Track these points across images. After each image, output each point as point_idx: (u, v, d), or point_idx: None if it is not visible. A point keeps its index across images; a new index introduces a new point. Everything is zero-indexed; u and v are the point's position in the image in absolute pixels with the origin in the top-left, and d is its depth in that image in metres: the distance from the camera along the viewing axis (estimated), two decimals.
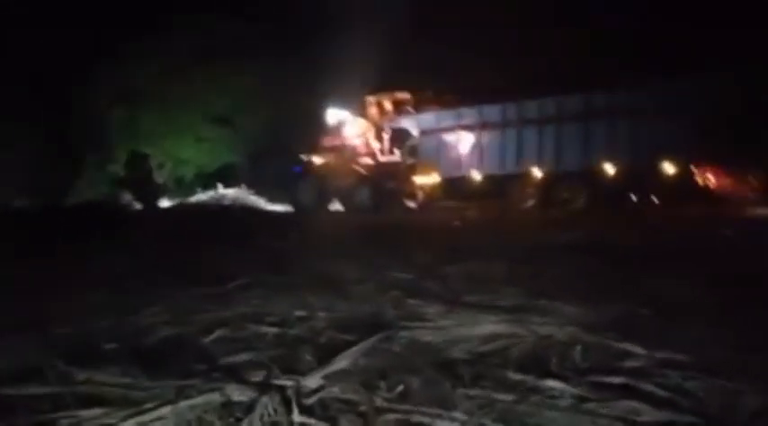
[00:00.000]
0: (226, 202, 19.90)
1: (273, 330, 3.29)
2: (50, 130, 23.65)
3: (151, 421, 2.08)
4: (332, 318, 3.51)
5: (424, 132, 17.28)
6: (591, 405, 2.11)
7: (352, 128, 16.24)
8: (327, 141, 16.40)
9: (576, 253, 5.63)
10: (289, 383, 2.39)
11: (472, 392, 2.23)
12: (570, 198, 14.25)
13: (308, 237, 7.47)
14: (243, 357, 2.81)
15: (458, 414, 2.00)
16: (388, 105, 17.28)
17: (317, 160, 16.35)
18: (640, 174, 13.44)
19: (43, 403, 2.31)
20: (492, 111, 16.01)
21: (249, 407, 2.10)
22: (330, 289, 4.28)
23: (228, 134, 26.36)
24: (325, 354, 2.79)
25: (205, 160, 26.54)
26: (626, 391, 2.26)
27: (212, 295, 4.27)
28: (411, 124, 17.46)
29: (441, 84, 18.18)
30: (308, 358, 2.78)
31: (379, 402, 2.15)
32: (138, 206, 16.88)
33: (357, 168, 15.69)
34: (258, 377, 2.47)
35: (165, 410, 2.11)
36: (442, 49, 20.60)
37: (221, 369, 2.63)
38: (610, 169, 13.76)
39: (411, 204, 15.68)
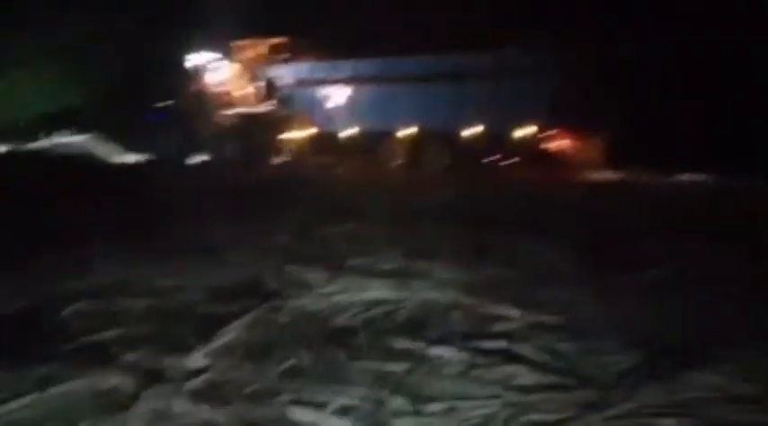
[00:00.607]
0: (73, 150, 17.88)
1: (142, 302, 3.02)
2: None
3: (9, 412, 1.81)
4: (207, 287, 3.30)
5: (297, 83, 16.74)
6: (478, 372, 2.19)
7: (221, 73, 15.24)
8: (194, 86, 15.27)
9: (448, 216, 5.81)
10: (167, 363, 2.21)
11: (365, 364, 2.20)
12: (435, 158, 14.71)
13: (173, 195, 6.95)
14: (110, 334, 2.55)
15: (356, 389, 1.96)
16: (260, 49, 16.29)
17: (183, 107, 15.20)
18: (499, 137, 14.21)
19: None
20: (367, 66, 15.87)
21: (133, 395, 1.90)
22: (201, 255, 4.02)
23: (76, 71, 23.51)
24: (205, 328, 2.62)
25: (47, 100, 23.50)
26: (507, 355, 2.37)
27: (64, 262, 3.82)
28: (286, 73, 16.78)
29: (317, 34, 17.58)
30: (184, 332, 2.59)
31: (270, 380, 2.05)
32: None
33: (227, 117, 14.84)
34: (131, 357, 2.24)
35: (26, 400, 1.84)
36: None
37: (86, 349, 2.36)
38: (473, 131, 14.37)
39: (281, 158, 15.24)
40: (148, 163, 14.75)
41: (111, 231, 4.70)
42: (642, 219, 5.74)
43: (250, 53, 16.30)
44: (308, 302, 3.05)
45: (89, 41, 22.90)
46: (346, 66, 16.10)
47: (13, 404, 1.87)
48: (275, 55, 16.45)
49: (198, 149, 15.41)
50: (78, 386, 1.96)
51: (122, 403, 1.86)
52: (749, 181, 10.00)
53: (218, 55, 15.67)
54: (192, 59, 15.15)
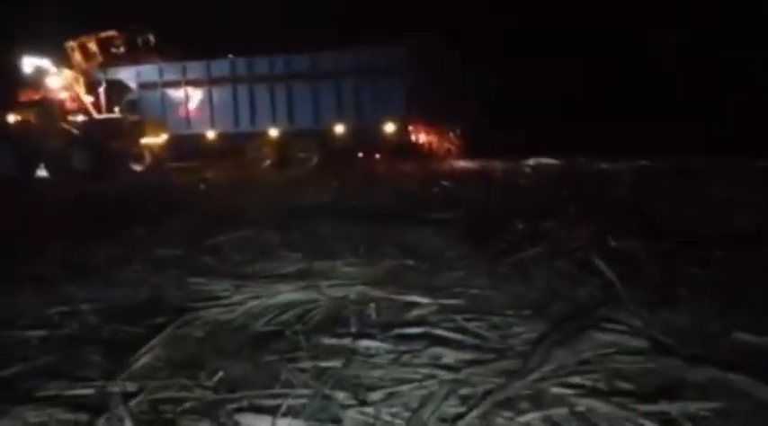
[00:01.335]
0: None
1: (35, 333, 2.78)
2: None
3: None
4: (104, 310, 3.11)
5: (144, 86, 15.80)
6: (406, 357, 2.34)
7: (56, 79, 13.90)
8: (26, 95, 13.76)
9: (334, 214, 5.94)
10: (89, 391, 2.09)
11: (300, 365, 2.26)
12: (305, 157, 14.78)
13: (26, 213, 6.28)
14: (13, 370, 2.34)
15: (298, 390, 2.01)
16: (92, 48, 15.02)
17: (13, 118, 13.62)
18: (365, 133, 14.62)
19: None
20: (221, 67, 15.46)
21: None
22: (87, 276, 3.75)
23: None
24: (116, 353, 2.49)
25: None
26: (427, 339, 2.55)
27: None
28: (129, 76, 15.75)
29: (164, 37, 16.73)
30: (96, 359, 2.44)
31: (209, 394, 2.03)
32: None
33: (67, 127, 13.59)
34: (49, 392, 2.08)
35: None
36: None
37: None
38: (339, 129, 14.62)
39: (137, 166, 14.31)
40: None
41: None
42: (509, 204, 6.31)
43: (81, 53, 14.97)
44: (219, 313, 3.01)
45: None
46: (199, 67, 15.54)
47: None
48: (107, 51, 15.27)
49: (38, 164, 13.97)
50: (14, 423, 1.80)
51: None
52: (587, 161, 11.34)
53: (52, 59, 14.29)
54: (28, 64, 13.65)
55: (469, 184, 8.28)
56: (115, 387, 2.11)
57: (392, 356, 2.36)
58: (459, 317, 2.82)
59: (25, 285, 3.58)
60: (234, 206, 6.67)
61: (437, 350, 2.42)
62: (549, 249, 4.11)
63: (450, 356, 2.37)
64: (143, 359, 2.39)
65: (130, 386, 2.11)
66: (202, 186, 9.16)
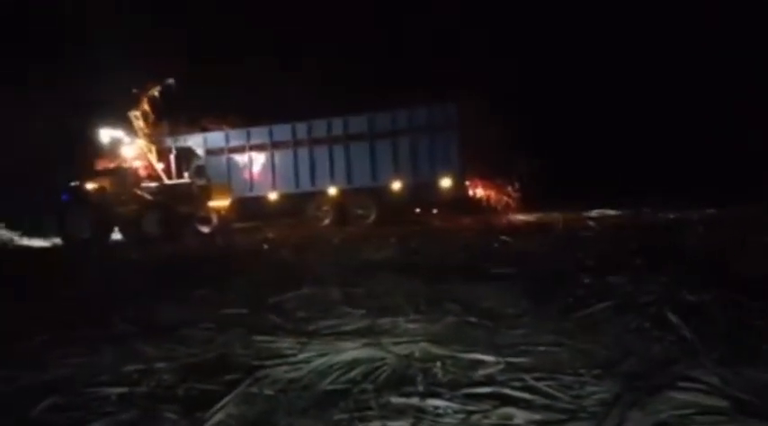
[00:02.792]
0: None
1: (115, 390, 2.90)
2: None
3: None
4: (178, 368, 3.22)
5: (211, 151, 16.73)
6: (476, 417, 2.30)
7: (130, 148, 14.88)
8: (102, 164, 14.76)
9: (391, 270, 5.98)
10: None
11: (369, 424, 2.26)
12: (363, 214, 15.04)
13: (101, 274, 6.65)
14: None
15: None
16: (145, 107, 15.74)
17: (90, 185, 14.59)
18: (422, 189, 14.80)
19: None
20: (282, 131, 16.19)
21: None
22: (159, 335, 3.90)
23: None
24: (193, 409, 2.57)
25: None
26: (496, 398, 2.51)
27: (15, 357, 3.59)
28: (197, 143, 16.74)
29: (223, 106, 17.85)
30: (173, 417, 2.52)
31: None
32: None
33: (141, 193, 14.40)
34: None
35: None
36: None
37: None
38: (396, 185, 14.87)
39: (204, 229, 14.92)
40: (65, 246, 13.92)
41: (51, 320, 4.47)
42: (573, 258, 6.17)
43: (142, 117, 15.80)
44: (286, 371, 3.06)
45: None
46: (261, 132, 16.34)
47: None
48: (156, 103, 16.04)
49: (112, 228, 14.79)
50: None
51: None
52: (651, 213, 11.00)
53: (125, 131, 15.31)
54: (104, 135, 14.72)
55: (530, 238, 8.17)
56: None
57: (461, 416, 2.33)
58: (527, 376, 2.76)
59: (103, 344, 3.76)
60: (296, 264, 6.83)
61: (507, 410, 2.37)
62: (618, 304, 3.98)
63: (520, 416, 2.31)
64: (217, 416, 2.46)
65: None
66: (265, 246, 9.43)
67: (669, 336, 3.13)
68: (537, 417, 2.29)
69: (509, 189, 15.68)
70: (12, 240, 17.23)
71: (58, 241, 15.42)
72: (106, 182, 14.58)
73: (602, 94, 18.68)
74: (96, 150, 15.23)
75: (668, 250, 6.37)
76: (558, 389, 2.59)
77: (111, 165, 14.97)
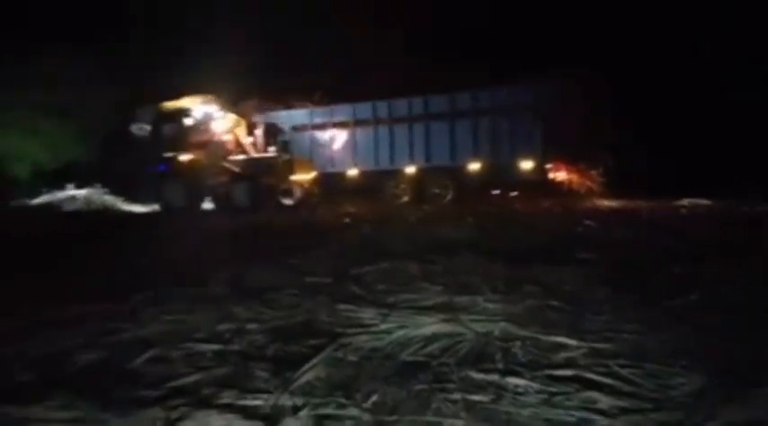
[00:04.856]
0: (79, 204, 18.04)
1: (210, 346, 3.12)
2: None
3: None
4: (267, 330, 3.41)
5: (295, 128, 17.18)
6: (558, 399, 2.30)
7: (221, 123, 15.54)
8: (195, 137, 15.52)
9: (468, 249, 5.97)
10: (259, 402, 2.31)
11: (450, 396, 2.31)
12: (440, 193, 15.01)
13: (199, 242, 7.08)
14: (191, 378, 2.65)
15: (450, 420, 2.07)
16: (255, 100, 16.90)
17: (185, 157, 15.41)
18: (501, 170, 14.54)
19: None
20: (364, 109, 16.34)
21: None
22: (249, 298, 4.13)
23: (71, 127, 23.83)
24: (280, 369, 2.72)
25: (46, 156, 23.70)
26: (578, 382, 2.49)
27: (116, 312, 3.92)
28: (282, 119, 17.23)
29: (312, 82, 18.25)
30: (264, 375, 2.69)
31: (368, 415, 2.16)
32: None
33: (229, 165, 15.07)
34: (225, 400, 2.34)
35: None
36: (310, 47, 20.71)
37: (175, 395, 2.45)
38: (474, 165, 14.69)
39: (287, 201, 15.44)
40: (161, 213, 14.89)
41: (150, 279, 4.82)
42: (661, 246, 5.91)
43: (246, 102, 16.83)
44: (368, 340, 3.16)
45: (88, 98, 23.42)
46: (345, 110, 16.57)
47: None
48: (268, 103, 17.11)
49: (204, 197, 15.61)
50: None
51: None
52: (748, 204, 10.27)
53: (218, 105, 15.98)
54: (198, 110, 15.45)
55: (615, 224, 7.87)
56: (285, 401, 2.31)
57: (542, 396, 2.34)
58: (610, 362, 2.72)
59: (198, 303, 4.03)
60: (375, 239, 6.95)
61: (590, 394, 2.35)
62: (708, 295, 3.81)
63: (604, 402, 2.30)
64: (304, 377, 2.60)
65: (293, 401, 2.30)
66: (346, 220, 9.65)
67: (761, 333, 2.97)
68: (621, 404, 2.27)
69: (593, 173, 15.09)
70: (115, 204, 18.61)
71: (155, 207, 16.49)
72: (199, 155, 15.34)
73: (706, 80, 17.47)
74: (191, 125, 16.01)
75: (762, 244, 5.97)
76: (644, 377, 2.54)
77: (204, 139, 15.71)
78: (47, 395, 2.40)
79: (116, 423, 2.12)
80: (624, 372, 2.60)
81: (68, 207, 16.29)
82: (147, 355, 2.98)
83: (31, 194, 19.88)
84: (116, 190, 19.62)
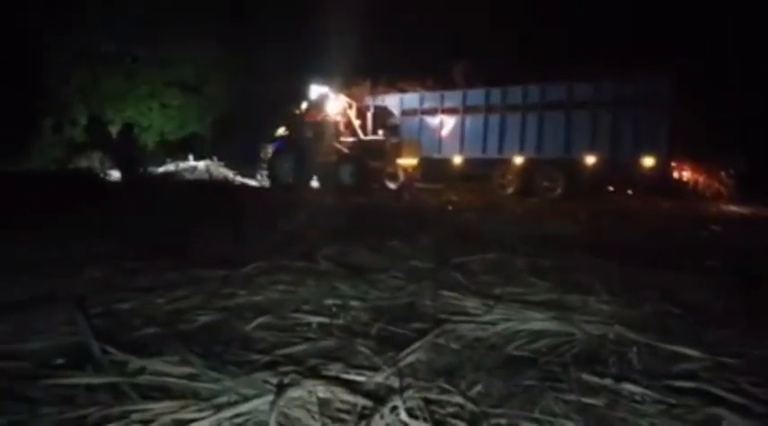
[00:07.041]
0: (199, 174, 19.42)
1: (316, 319, 3.21)
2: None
3: (237, 416, 1.99)
4: (371, 308, 3.45)
5: (405, 112, 17.26)
6: (678, 411, 2.13)
7: (334, 104, 15.95)
8: (309, 117, 16.07)
9: (580, 247, 5.71)
10: (362, 379, 2.34)
11: (562, 396, 2.22)
12: (549, 186, 14.48)
13: (309, 218, 7.34)
14: (299, 348, 2.74)
15: (561, 421, 1.98)
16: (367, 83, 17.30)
17: (297, 135, 16.03)
18: (619, 166, 13.74)
19: (103, 395, 2.18)
20: (476, 96, 16.08)
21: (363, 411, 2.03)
22: (355, 277, 4.20)
23: (196, 102, 25.58)
24: (384, 348, 2.74)
25: (170, 128, 25.64)
26: (701, 396, 2.29)
27: (232, 278, 4.14)
28: (393, 103, 17.38)
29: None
30: (367, 352, 2.72)
31: (469, 404, 2.12)
32: (115, 175, 16.05)
33: (339, 146, 15.46)
34: (331, 372, 2.40)
35: (257, 405, 2.02)
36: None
37: (284, 363, 2.54)
38: (590, 159, 14.00)
39: (391, 185, 15.63)
40: (272, 187, 15.65)
41: (265, 249, 5.06)
42: None
43: (358, 85, 17.20)
44: (472, 329, 3.11)
45: (210, 74, 25.03)
46: (455, 96, 16.39)
47: (239, 409, 2.04)
48: (379, 87, 17.42)
49: (312, 175, 16.18)
50: (299, 394, 2.12)
51: (354, 415, 2.01)
52: None
53: (331, 88, 16.43)
54: (314, 90, 15.97)
55: (745, 232, 7.19)
56: (391, 380, 2.33)
57: (661, 407, 2.18)
58: (739, 379, 2.48)
59: (306, 276, 4.17)
60: (480, 228, 6.84)
61: (716, 410, 2.16)
62: None
63: (731, 420, 2.09)
64: (408, 359, 2.60)
65: (396, 381, 2.31)
66: (450, 207, 9.58)
67: None
68: (752, 424, 2.06)
69: (723, 175, 13.85)
70: (230, 177, 19.83)
71: (264, 182, 17.35)
72: (311, 133, 15.88)
73: None
74: (306, 104, 16.61)
75: None
76: None
77: (317, 118, 16.23)
78: (164, 351, 2.57)
79: (228, 384, 2.23)
80: (755, 390, 2.36)
81: (190, 176, 17.47)
82: (259, 321, 3.11)
83: (157, 163, 21.62)
84: (229, 164, 20.87)
